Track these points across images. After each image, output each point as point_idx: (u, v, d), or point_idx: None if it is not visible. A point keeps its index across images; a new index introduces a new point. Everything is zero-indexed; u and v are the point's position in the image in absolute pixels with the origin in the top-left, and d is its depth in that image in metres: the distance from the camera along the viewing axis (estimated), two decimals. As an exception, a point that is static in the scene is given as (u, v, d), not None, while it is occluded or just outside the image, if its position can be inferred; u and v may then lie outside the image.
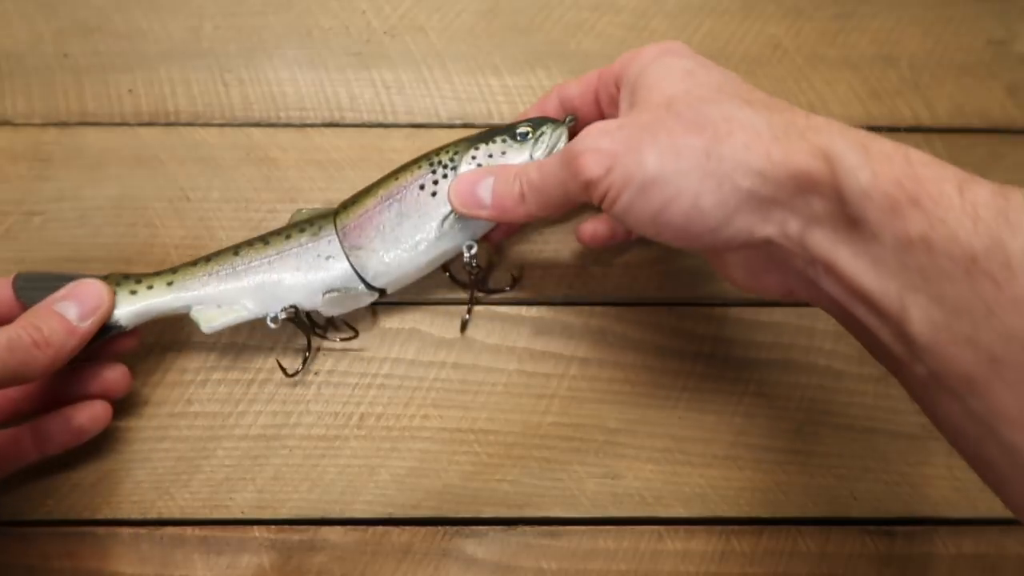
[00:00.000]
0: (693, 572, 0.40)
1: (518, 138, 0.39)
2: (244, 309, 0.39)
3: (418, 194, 0.39)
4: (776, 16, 0.49)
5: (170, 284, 0.38)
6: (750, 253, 0.30)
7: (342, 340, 0.42)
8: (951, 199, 0.24)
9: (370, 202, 0.40)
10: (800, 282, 0.29)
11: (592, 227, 0.41)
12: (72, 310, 0.34)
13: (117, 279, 0.38)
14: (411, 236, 0.39)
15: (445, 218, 0.39)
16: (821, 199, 0.27)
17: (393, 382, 0.42)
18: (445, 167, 0.39)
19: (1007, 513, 0.40)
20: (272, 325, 0.39)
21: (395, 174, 0.40)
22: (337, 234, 0.39)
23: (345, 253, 0.39)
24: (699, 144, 0.28)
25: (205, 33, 0.48)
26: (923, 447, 0.41)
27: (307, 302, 0.39)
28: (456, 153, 0.40)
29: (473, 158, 0.39)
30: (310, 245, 0.39)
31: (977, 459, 0.26)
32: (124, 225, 0.43)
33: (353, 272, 0.39)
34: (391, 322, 0.42)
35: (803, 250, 0.28)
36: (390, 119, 0.47)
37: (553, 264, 0.44)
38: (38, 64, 0.46)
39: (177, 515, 0.39)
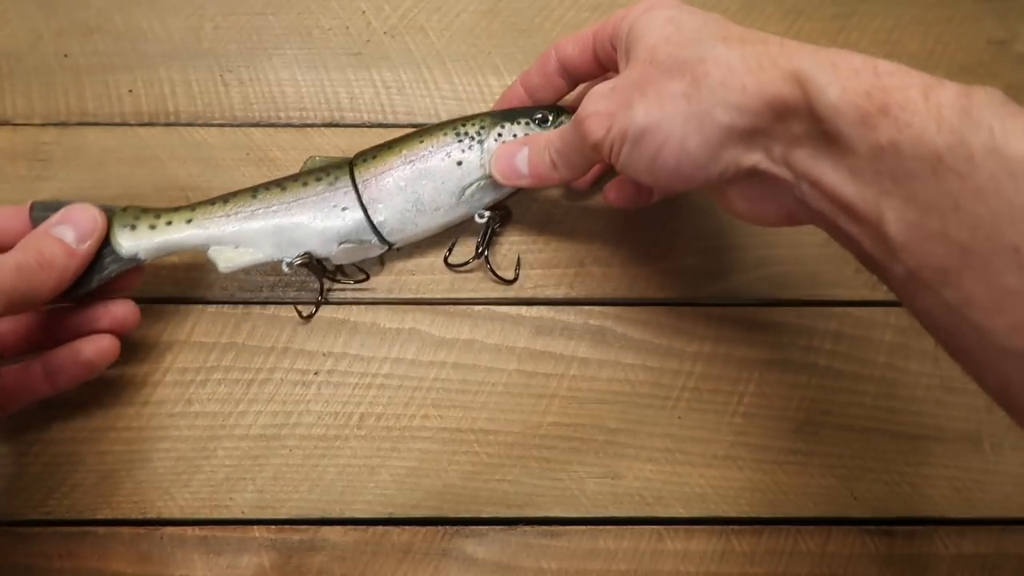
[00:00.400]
0: (693, 572, 0.40)
1: (538, 122, 0.41)
2: (261, 251, 0.39)
3: (443, 160, 0.40)
4: (776, 16, 0.49)
5: (189, 221, 0.39)
6: (745, 184, 0.32)
7: (356, 282, 0.43)
8: (916, 103, 0.25)
9: (393, 160, 0.41)
10: (795, 204, 0.31)
11: (616, 186, 0.42)
12: (69, 233, 0.35)
13: (136, 213, 0.39)
14: (432, 199, 0.40)
15: (467, 187, 0.40)
16: (798, 121, 0.28)
17: (393, 382, 0.42)
18: (472, 139, 0.41)
19: (1007, 513, 0.41)
20: (287, 270, 0.40)
21: (419, 136, 0.41)
22: (354, 185, 0.40)
23: (363, 205, 0.40)
24: (679, 89, 0.30)
25: (205, 33, 0.48)
26: (923, 447, 0.41)
27: (321, 249, 0.40)
28: (483, 127, 0.41)
29: (499, 135, 0.41)
30: (327, 194, 0.40)
31: (956, 350, 0.27)
32: (124, 225, 0.44)
33: (367, 224, 0.40)
34: (391, 322, 0.42)
35: (789, 171, 0.29)
36: (390, 119, 0.47)
37: (553, 264, 0.44)
38: (38, 64, 0.46)
39: (177, 515, 0.39)
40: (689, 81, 0.30)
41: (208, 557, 0.39)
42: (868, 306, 0.43)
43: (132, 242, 0.38)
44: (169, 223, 0.39)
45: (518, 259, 0.43)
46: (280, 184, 0.40)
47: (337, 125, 0.46)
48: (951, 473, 0.41)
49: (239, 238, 0.39)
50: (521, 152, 0.39)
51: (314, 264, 0.41)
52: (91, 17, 0.48)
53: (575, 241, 0.44)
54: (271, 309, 0.42)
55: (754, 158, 0.30)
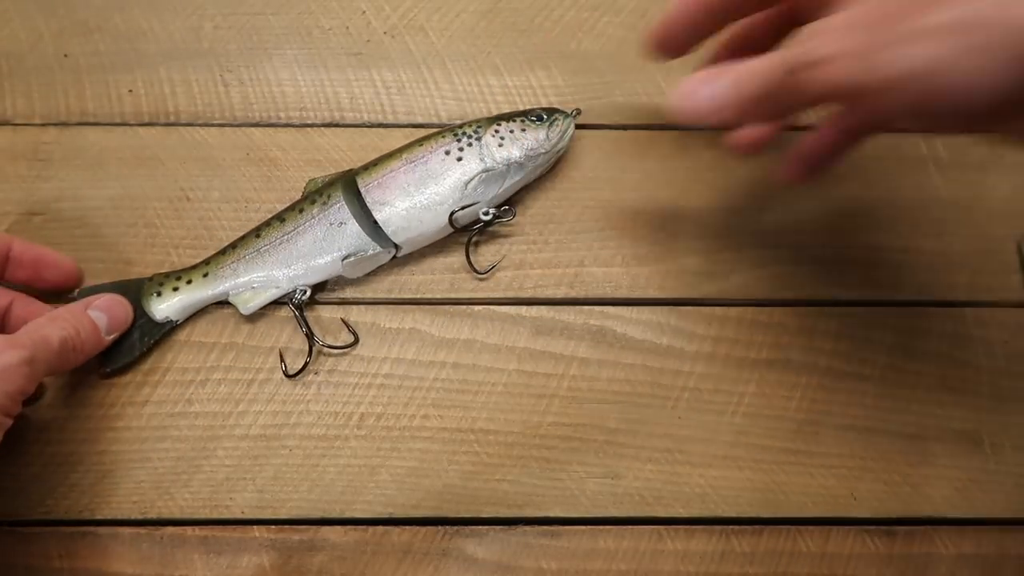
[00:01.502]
0: (693, 572, 0.40)
1: (534, 120, 0.43)
2: (275, 287, 0.41)
3: (443, 158, 0.42)
4: (776, 16, 0.49)
5: (206, 276, 0.41)
6: None
7: (347, 346, 0.42)
8: None
9: (395, 164, 0.42)
10: None
11: (749, 136, 0.40)
12: (104, 322, 0.39)
13: (160, 279, 0.41)
14: (434, 196, 0.42)
15: (468, 182, 0.42)
16: None
17: (393, 382, 0.42)
18: (470, 137, 0.43)
19: (1007, 513, 0.41)
20: (303, 297, 0.41)
21: (419, 141, 0.43)
22: (348, 197, 0.41)
23: (366, 210, 0.41)
24: (950, 17, 0.26)
25: (205, 33, 0.48)
26: (923, 447, 0.41)
27: (330, 269, 0.41)
28: (480, 126, 0.43)
29: (496, 131, 0.43)
30: (322, 216, 0.41)
31: None
32: (124, 225, 0.43)
33: (365, 234, 0.41)
34: (391, 322, 0.42)
35: None
36: (390, 119, 0.47)
37: (553, 264, 0.44)
38: (38, 64, 0.46)
39: (177, 515, 0.39)
40: (958, 6, 0.26)
41: (208, 557, 0.39)
42: (868, 306, 0.43)
43: (163, 309, 0.41)
44: (190, 282, 0.41)
45: (498, 263, 0.43)
46: (280, 217, 0.42)
47: (337, 125, 0.46)
48: (951, 473, 0.41)
49: (254, 280, 0.41)
50: (719, 80, 0.31)
51: (303, 319, 0.41)
52: (91, 17, 0.48)
53: (575, 241, 0.44)
54: (271, 309, 0.42)
55: None
